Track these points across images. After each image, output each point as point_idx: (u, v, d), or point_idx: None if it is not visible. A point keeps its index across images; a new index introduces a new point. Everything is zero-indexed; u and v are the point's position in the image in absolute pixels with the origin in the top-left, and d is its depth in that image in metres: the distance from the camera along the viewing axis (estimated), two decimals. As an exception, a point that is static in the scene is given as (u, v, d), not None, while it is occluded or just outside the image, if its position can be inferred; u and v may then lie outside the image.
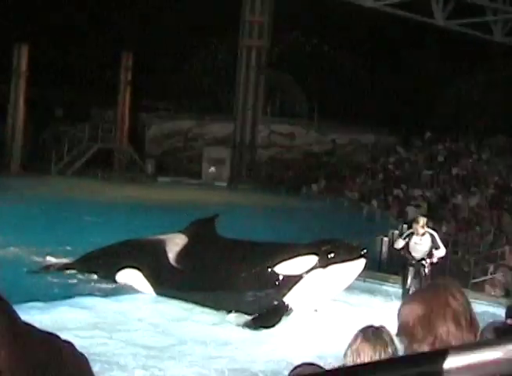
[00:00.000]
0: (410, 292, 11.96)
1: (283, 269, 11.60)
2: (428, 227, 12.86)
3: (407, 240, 12.47)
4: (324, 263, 11.53)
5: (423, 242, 12.38)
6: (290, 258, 11.67)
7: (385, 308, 12.22)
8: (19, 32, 37.54)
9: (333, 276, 11.60)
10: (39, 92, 38.15)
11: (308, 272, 11.52)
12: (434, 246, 12.49)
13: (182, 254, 12.65)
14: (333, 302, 12.09)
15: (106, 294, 12.14)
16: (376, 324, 3.22)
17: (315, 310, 11.73)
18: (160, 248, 12.85)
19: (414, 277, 12.30)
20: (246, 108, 41.02)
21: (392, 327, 3.17)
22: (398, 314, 2.29)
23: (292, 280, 11.52)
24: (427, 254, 12.39)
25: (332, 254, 11.62)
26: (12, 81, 38.81)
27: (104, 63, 40.83)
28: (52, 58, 39.12)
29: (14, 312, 0.93)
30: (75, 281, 12.94)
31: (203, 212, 15.18)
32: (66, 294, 11.99)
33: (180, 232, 13.39)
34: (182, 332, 10.56)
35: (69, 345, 0.91)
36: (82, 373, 0.88)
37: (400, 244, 12.58)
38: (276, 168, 40.10)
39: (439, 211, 26.37)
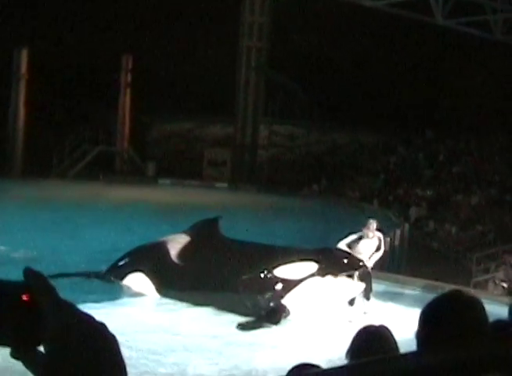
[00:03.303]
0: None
1: (282, 272, 11.61)
2: (378, 230, 12.59)
3: (352, 242, 12.21)
4: (323, 272, 11.52)
5: (370, 246, 12.27)
6: (289, 263, 11.67)
7: (381, 308, 12.28)
8: (18, 35, 37.59)
9: (332, 286, 11.56)
10: (40, 95, 38.18)
11: (305, 278, 11.52)
12: (377, 249, 12.38)
13: (186, 255, 12.70)
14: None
15: (112, 298, 12.15)
16: (377, 324, 3.22)
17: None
18: (163, 250, 12.92)
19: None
20: (246, 109, 41.03)
21: (392, 327, 3.18)
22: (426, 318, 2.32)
23: (289, 285, 11.52)
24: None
25: (331, 264, 11.60)
26: (12, 84, 38.87)
27: (104, 65, 40.84)
28: (52, 60, 39.11)
29: (55, 289, 0.99)
30: (82, 286, 12.92)
31: (204, 214, 15.16)
32: (72, 298, 11.99)
33: (184, 232, 13.46)
34: (183, 335, 10.55)
35: (102, 325, 0.96)
36: (113, 353, 0.94)
37: (341, 246, 12.33)
38: (277, 169, 40.09)
39: (440, 211, 26.36)
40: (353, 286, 11.88)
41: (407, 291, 14.10)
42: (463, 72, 38.58)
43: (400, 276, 14.95)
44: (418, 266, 16.60)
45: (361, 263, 11.74)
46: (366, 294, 12.07)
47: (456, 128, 36.37)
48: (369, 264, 12.16)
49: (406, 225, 21.53)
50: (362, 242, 12.25)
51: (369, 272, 12.01)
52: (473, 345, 2.23)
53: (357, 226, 13.05)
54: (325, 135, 42.18)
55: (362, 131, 40.54)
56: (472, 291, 11.75)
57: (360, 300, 12.02)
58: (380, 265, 12.96)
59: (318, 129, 42.14)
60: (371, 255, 12.25)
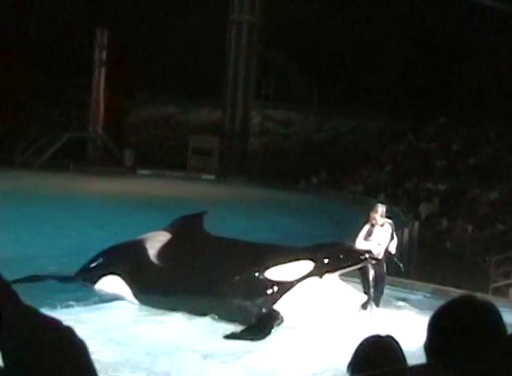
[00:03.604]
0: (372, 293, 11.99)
1: (274, 274, 11.61)
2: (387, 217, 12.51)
3: (366, 235, 12.14)
4: (320, 271, 11.52)
5: (384, 234, 12.21)
6: (282, 263, 11.67)
7: (391, 316, 12.26)
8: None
9: (331, 287, 11.57)
10: (1, 74, 38.04)
11: (301, 279, 11.51)
12: (391, 237, 12.32)
13: (167, 255, 12.73)
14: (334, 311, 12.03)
15: (83, 304, 12.16)
16: (383, 333, 3.21)
17: (318, 320, 11.61)
18: (141, 250, 12.93)
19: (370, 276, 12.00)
20: (236, 91, 41.00)
21: (400, 338, 3.16)
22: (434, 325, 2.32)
23: (282, 288, 11.52)
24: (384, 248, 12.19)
25: (329, 262, 11.57)
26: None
27: (76, 40, 40.71)
28: (17, 35, 38.94)
29: (17, 294, 1.07)
30: (53, 290, 12.93)
31: (188, 209, 15.17)
32: (43, 304, 11.99)
33: (164, 229, 13.47)
34: (161, 343, 10.56)
35: (69, 329, 1.04)
36: (79, 356, 1.01)
37: (360, 243, 12.12)
38: (271, 159, 40.11)
39: (455, 207, 26.43)
40: (353, 292, 11.83)
41: (416, 298, 14.11)
42: (481, 52, 38.61)
43: (408, 281, 14.91)
44: (429, 270, 16.65)
45: (364, 257, 11.69)
46: (375, 297, 12.08)
47: (473, 114, 36.44)
48: (381, 255, 12.06)
49: (416, 224, 21.56)
50: (374, 231, 12.16)
51: (381, 267, 11.99)
52: (489, 357, 2.25)
53: (359, 224, 13.02)
54: (325, 121, 42.23)
55: (366, 117, 40.61)
56: (490, 298, 11.75)
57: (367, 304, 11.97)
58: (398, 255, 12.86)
59: (317, 114, 42.22)
60: (388, 245, 12.22)
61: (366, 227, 12.21)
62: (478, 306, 2.38)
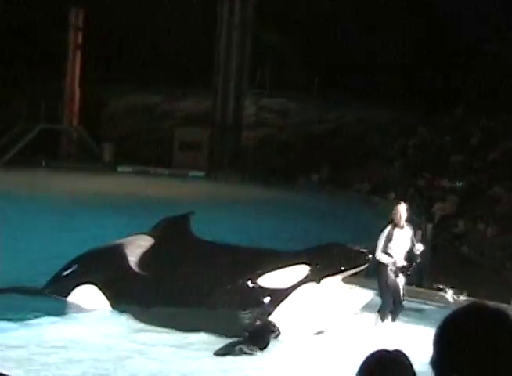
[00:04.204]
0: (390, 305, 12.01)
1: (268, 281, 11.63)
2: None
3: (386, 240, 12.09)
4: (317, 275, 11.53)
5: (404, 237, 12.14)
6: (274, 269, 11.68)
7: (403, 328, 12.26)
8: None
9: (330, 293, 11.58)
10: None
11: (296, 286, 11.51)
12: (413, 241, 12.27)
13: (150, 262, 12.74)
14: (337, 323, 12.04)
15: (54, 319, 12.14)
16: (391, 348, 3.18)
17: (319, 332, 11.66)
18: (121, 256, 12.97)
19: (391, 286, 12.02)
20: (228, 78, 40.99)
21: (411, 352, 3.10)
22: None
23: (277, 296, 11.53)
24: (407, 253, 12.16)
25: (328, 265, 11.59)
26: None
27: (48, 21, 40.66)
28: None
29: None
30: (14, 305, 12.90)
31: (174, 209, 15.19)
32: (12, 316, 11.98)
33: (147, 233, 13.51)
34: (142, 361, 10.53)
35: None
36: None
37: (379, 254, 12.01)
38: (267, 154, 40.12)
39: (473, 207, 26.44)
40: (360, 292, 11.79)
41: (429, 308, 14.14)
42: (501, 34, 38.70)
43: (421, 290, 14.95)
44: (444, 277, 16.64)
45: (368, 257, 11.69)
46: (395, 309, 12.06)
47: (493, 104, 36.46)
48: (403, 261, 12.03)
49: (429, 226, 21.60)
50: (399, 234, 12.11)
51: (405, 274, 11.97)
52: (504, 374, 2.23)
53: (367, 227, 13.03)
54: (327, 111, 42.24)
55: (373, 107, 40.61)
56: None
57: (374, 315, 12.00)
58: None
59: (318, 104, 42.17)
60: (410, 249, 12.15)
61: (387, 229, 12.16)
62: (490, 315, 2.35)
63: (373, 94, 39.27)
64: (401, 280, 12.06)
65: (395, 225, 12.12)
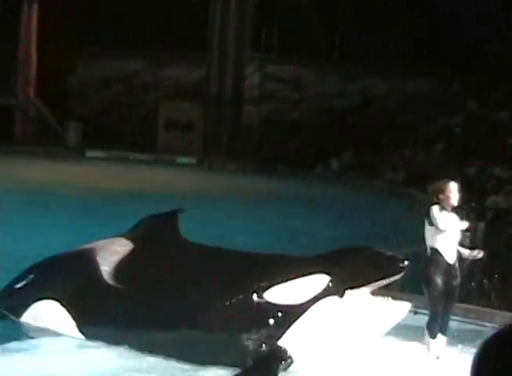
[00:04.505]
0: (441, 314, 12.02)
1: (277, 295, 11.58)
2: None
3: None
4: (339, 287, 11.50)
5: (456, 223, 12.03)
6: (287, 280, 11.63)
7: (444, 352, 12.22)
8: None
9: (356, 308, 11.57)
10: None
11: (313, 301, 11.45)
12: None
13: (127, 271, 12.69)
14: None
15: (5, 343, 12.14)
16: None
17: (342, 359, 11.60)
18: (90, 264, 12.91)
19: (447, 290, 11.99)
20: (226, 40, 41.04)
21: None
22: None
23: (289, 315, 11.48)
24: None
25: (352, 273, 11.60)
26: None
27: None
28: None
29: None
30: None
31: (158, 205, 15.34)
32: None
33: (123, 235, 13.47)
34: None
35: None
36: None
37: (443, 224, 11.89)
38: (275, 136, 40.21)
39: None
40: (393, 306, 11.74)
41: (483, 329, 14.03)
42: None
43: (472, 307, 14.80)
44: (500, 291, 16.61)
45: (403, 265, 11.67)
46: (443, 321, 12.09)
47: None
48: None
49: (481, 225, 21.56)
50: (450, 217, 11.98)
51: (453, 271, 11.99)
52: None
53: (401, 227, 12.98)
54: (350, 81, 42.29)
55: (408, 77, 40.67)
56: None
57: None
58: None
59: (339, 73, 42.22)
60: (466, 236, 12.23)
61: (437, 210, 11.99)
62: None
63: (407, 60, 39.28)
64: (457, 281, 12.06)
65: (443, 208, 11.97)
